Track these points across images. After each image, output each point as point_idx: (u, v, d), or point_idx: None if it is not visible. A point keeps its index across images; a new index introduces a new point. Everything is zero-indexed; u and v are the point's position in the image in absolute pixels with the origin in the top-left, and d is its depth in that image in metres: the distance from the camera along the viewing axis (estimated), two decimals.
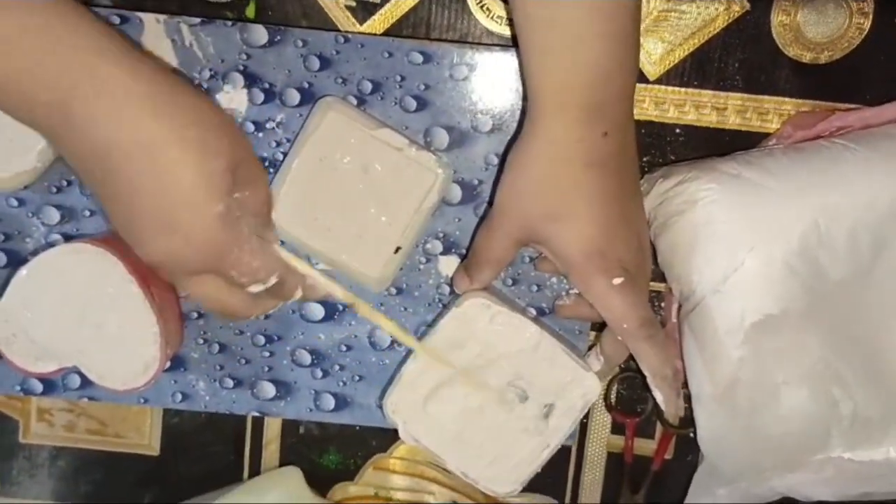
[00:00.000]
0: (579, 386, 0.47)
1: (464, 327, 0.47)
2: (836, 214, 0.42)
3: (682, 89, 0.50)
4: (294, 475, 0.52)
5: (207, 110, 0.42)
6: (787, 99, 0.50)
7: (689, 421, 0.53)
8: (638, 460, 0.55)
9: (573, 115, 0.42)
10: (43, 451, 0.56)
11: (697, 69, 0.50)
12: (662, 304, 0.51)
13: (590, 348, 0.51)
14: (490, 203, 0.47)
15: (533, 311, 0.51)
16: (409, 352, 0.49)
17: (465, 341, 0.47)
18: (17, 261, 0.51)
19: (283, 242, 0.48)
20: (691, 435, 0.52)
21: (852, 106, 0.48)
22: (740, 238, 0.44)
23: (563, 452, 0.54)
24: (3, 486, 0.56)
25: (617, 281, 0.44)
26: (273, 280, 0.45)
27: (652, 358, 0.46)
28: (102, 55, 0.39)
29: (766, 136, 0.50)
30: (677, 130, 0.50)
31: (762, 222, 0.43)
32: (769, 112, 0.50)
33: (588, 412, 0.54)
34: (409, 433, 0.49)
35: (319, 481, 0.55)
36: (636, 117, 0.46)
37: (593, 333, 0.52)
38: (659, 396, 0.47)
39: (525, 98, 0.46)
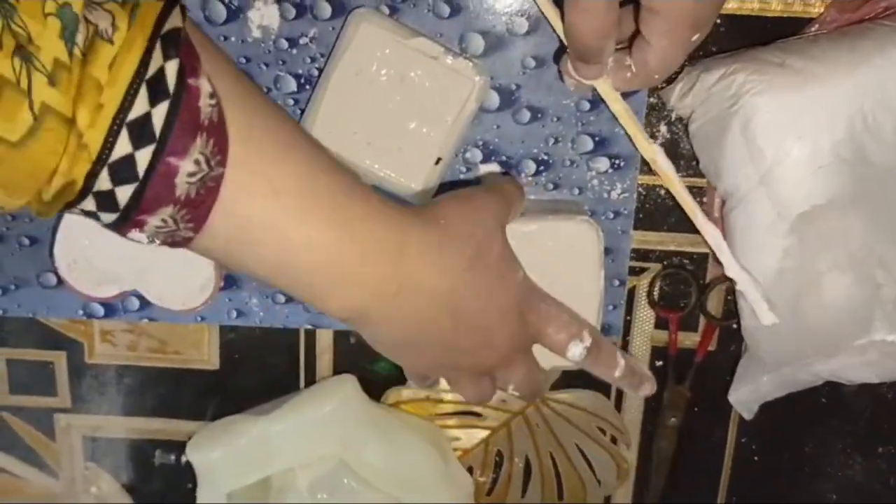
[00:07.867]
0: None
1: None
2: (882, 98, 0.42)
3: None
4: (349, 382, 0.54)
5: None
6: None
7: (731, 313, 0.54)
8: (682, 353, 0.56)
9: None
10: (109, 370, 0.58)
11: None
12: (704, 200, 0.51)
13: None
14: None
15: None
16: None
17: None
18: None
19: None
20: (734, 326, 0.53)
21: None
22: (787, 128, 0.43)
23: None
24: (76, 404, 0.59)
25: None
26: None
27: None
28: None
29: (809, 21, 0.48)
30: (717, 20, 0.49)
31: (808, 110, 0.43)
32: None
33: (631, 308, 0.55)
34: None
35: (372, 387, 0.56)
36: None
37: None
38: None
39: None
